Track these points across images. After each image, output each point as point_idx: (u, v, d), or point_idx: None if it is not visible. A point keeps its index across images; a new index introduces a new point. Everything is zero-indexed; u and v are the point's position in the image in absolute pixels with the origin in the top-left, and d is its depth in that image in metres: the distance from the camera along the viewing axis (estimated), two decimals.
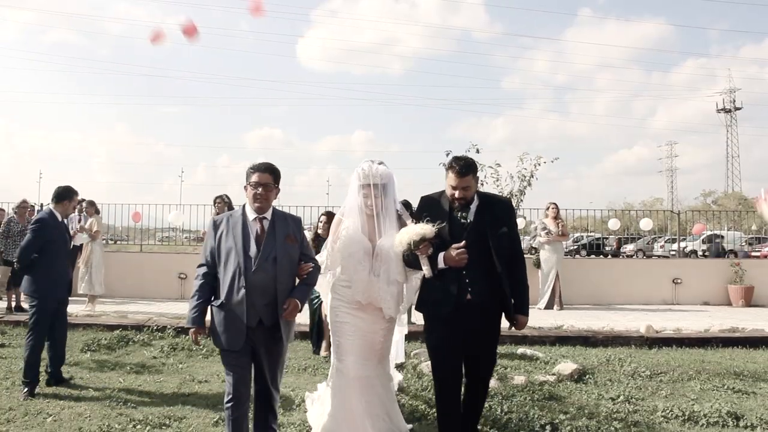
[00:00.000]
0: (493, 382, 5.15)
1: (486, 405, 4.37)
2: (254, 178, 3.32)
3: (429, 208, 3.58)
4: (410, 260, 3.55)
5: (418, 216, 3.58)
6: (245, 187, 3.38)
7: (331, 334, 3.88)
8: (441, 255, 3.43)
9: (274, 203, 3.48)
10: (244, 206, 3.42)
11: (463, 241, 3.40)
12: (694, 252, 24.68)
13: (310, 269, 3.45)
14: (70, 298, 5.61)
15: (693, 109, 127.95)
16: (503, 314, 3.59)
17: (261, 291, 3.23)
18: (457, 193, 3.48)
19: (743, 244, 24.85)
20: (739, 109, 76.07)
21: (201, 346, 6.25)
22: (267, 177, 3.34)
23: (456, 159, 3.52)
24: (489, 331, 3.55)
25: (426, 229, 3.40)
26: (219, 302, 3.26)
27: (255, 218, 3.33)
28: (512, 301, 3.51)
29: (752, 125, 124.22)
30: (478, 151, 7.75)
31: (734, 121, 76.18)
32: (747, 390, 5.20)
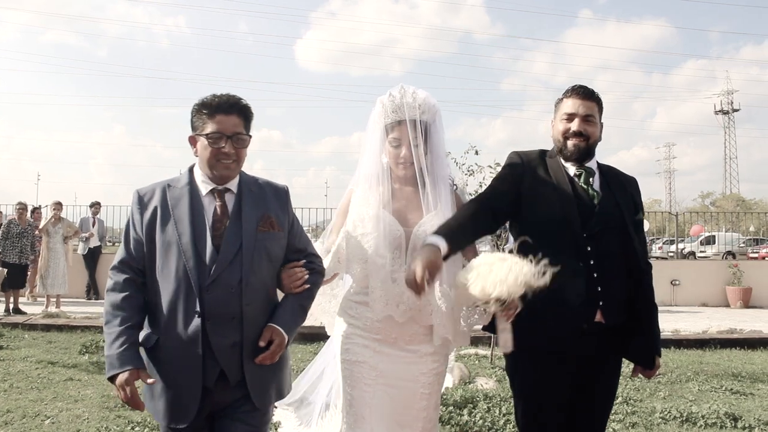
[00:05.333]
0: (491, 384, 5.14)
1: (485, 407, 4.35)
2: (214, 124, 1.90)
3: (529, 168, 2.22)
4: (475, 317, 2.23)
5: (509, 177, 2.21)
6: (193, 138, 1.97)
7: (341, 381, 2.38)
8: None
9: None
10: (191, 170, 2.03)
11: None
12: (692, 253, 24.73)
13: (306, 276, 2.04)
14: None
15: (692, 110, 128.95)
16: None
17: (224, 321, 1.88)
18: (575, 125, 2.19)
19: (741, 245, 24.92)
20: (736, 110, 76.37)
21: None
22: (236, 121, 1.92)
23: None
24: (613, 373, 2.34)
25: (533, 275, 1.86)
26: (153, 340, 1.92)
27: (211, 190, 1.97)
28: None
29: (751, 126, 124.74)
30: (477, 153, 7.65)
31: (732, 122, 76.44)
32: (745, 391, 5.21)
